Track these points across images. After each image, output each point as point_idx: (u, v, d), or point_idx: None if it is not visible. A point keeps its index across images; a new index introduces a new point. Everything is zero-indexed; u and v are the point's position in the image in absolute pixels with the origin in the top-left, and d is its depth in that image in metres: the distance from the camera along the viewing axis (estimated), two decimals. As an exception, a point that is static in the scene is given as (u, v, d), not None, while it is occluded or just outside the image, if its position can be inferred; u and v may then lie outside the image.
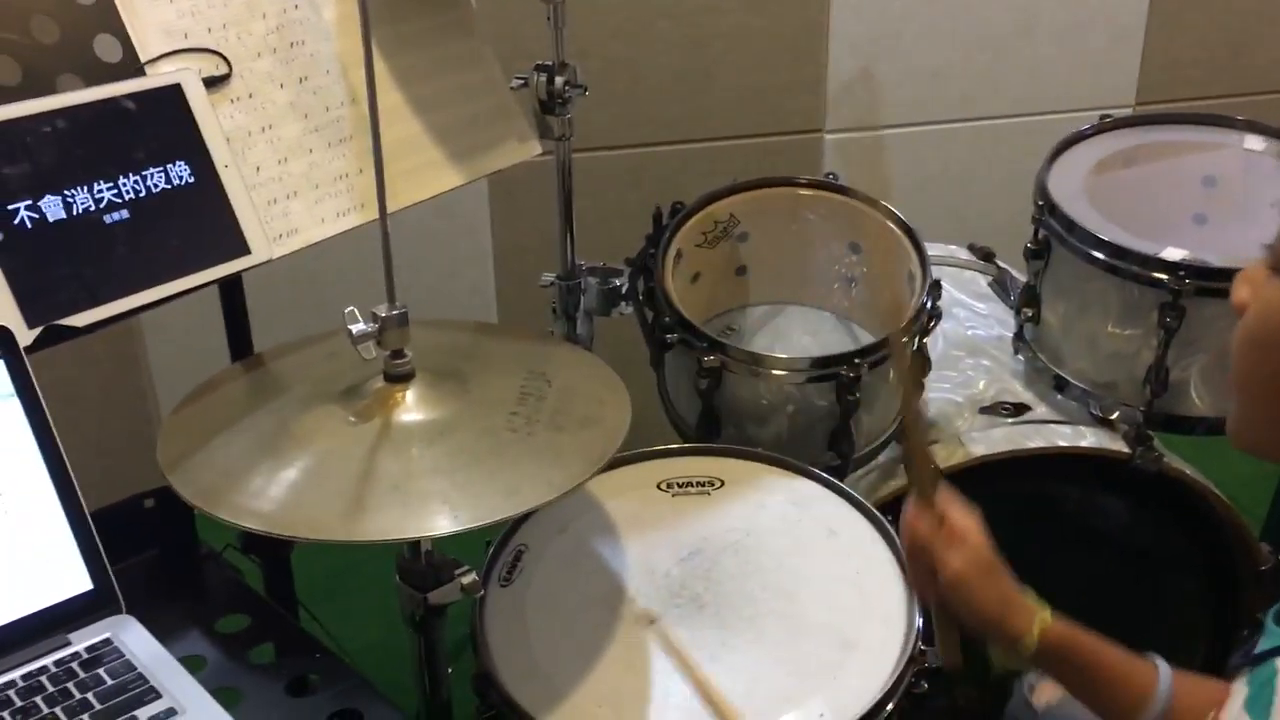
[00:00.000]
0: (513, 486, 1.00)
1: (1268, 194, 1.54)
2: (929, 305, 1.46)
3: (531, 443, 1.05)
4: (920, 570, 1.10)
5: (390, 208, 1.04)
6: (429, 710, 1.17)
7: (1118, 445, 1.50)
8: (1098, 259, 1.45)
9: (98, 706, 0.96)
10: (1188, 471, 1.50)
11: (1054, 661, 1.04)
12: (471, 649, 1.14)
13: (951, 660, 1.12)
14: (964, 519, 1.08)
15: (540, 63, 1.46)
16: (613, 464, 1.05)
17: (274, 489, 1.00)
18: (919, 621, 1.13)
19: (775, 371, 1.42)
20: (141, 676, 0.98)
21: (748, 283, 1.65)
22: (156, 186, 1.13)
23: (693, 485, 1.32)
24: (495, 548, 1.24)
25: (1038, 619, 1.03)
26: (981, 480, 1.48)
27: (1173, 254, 1.42)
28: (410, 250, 1.98)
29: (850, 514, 1.28)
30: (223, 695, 1.00)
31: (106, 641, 1.02)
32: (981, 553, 1.06)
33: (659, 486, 1.32)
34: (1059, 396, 1.58)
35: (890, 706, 1.07)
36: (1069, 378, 1.56)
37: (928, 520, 1.09)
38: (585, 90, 1.49)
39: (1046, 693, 1.15)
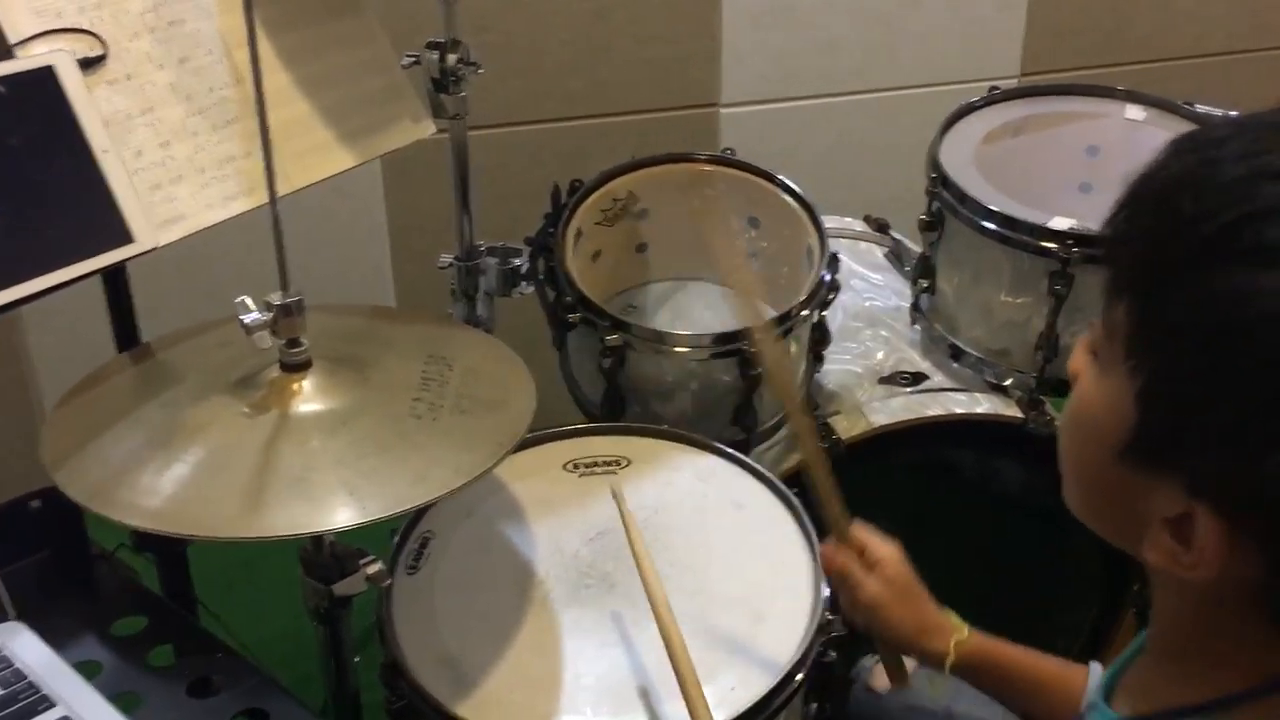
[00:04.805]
0: (420, 474, 0.98)
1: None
2: (828, 279, 1.47)
3: (436, 428, 1.03)
4: (848, 599, 1.11)
5: (281, 191, 1.01)
6: (336, 703, 1.15)
7: (1012, 410, 1.54)
8: (989, 229, 1.48)
9: (-13, 718, 0.92)
10: (1078, 434, 1.54)
11: (974, 674, 1.06)
12: (379, 638, 1.13)
13: (900, 682, 1.15)
14: (881, 547, 1.09)
15: (432, 40, 1.43)
16: (518, 446, 1.04)
17: (167, 485, 0.97)
18: (826, 591, 1.15)
19: (678, 349, 1.42)
20: (33, 685, 0.95)
21: (648, 260, 1.65)
22: (32, 174, 1.08)
23: (599, 464, 1.32)
24: (400, 536, 1.22)
25: (954, 638, 1.05)
26: (883, 449, 1.51)
27: (1060, 223, 1.45)
28: (303, 233, 1.93)
29: (756, 487, 1.29)
30: (121, 700, 0.97)
31: (-5, 650, 0.98)
32: (898, 577, 1.08)
33: (565, 467, 1.31)
34: (955, 365, 1.62)
35: (799, 676, 1.08)
36: (964, 346, 1.59)
37: (845, 553, 1.10)
38: (479, 68, 1.46)
39: (882, 675, 1.18)
